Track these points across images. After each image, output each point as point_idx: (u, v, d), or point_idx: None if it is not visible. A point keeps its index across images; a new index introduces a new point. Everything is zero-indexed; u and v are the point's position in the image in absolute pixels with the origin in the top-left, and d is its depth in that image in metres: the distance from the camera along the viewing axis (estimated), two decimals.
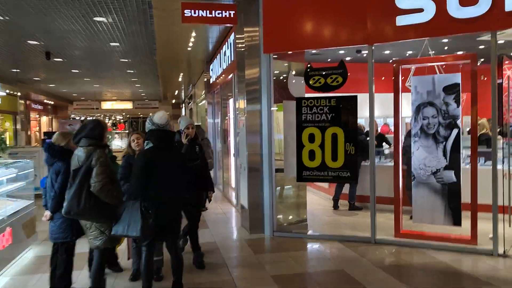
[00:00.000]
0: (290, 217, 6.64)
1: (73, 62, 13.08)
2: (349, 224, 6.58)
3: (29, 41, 9.99)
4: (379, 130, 8.21)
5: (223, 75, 9.18)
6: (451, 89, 5.24)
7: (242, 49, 6.31)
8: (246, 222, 6.37)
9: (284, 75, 6.61)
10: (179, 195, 3.87)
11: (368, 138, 7.35)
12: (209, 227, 6.64)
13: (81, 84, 19.23)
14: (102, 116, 23.34)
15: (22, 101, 21.74)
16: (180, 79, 15.64)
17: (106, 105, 28.56)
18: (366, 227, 5.79)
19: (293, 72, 6.52)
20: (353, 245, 5.47)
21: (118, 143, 16.93)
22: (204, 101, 13.66)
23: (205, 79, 12.20)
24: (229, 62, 8.11)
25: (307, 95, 5.97)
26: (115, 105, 29.36)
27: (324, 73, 5.66)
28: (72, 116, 23.83)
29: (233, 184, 9.17)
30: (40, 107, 25.46)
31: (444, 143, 5.31)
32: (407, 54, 9.71)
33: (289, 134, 6.09)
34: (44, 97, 23.21)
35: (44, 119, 26.54)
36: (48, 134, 10.28)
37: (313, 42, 5.87)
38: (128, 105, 29.94)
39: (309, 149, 5.73)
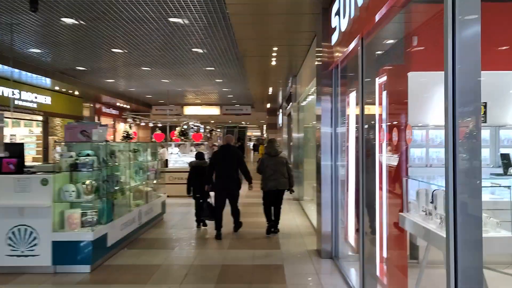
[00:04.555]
0: None
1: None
2: None
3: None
4: None
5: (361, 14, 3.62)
6: None
7: None
8: None
9: None
10: None
11: None
12: None
13: (145, 79, 15.01)
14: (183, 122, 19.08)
15: (89, 104, 18.34)
16: (273, 61, 10.21)
17: (189, 110, 24.18)
18: None
19: None
20: None
21: (186, 159, 12.31)
22: (312, 97, 8.12)
23: (317, 57, 6.60)
24: None
25: None
26: (200, 110, 24.91)
27: None
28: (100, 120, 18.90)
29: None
30: (115, 111, 22.05)
31: None
32: None
33: None
34: (114, 98, 19.50)
35: (122, 126, 23.04)
36: None
37: None
38: (216, 111, 25.25)
39: None
